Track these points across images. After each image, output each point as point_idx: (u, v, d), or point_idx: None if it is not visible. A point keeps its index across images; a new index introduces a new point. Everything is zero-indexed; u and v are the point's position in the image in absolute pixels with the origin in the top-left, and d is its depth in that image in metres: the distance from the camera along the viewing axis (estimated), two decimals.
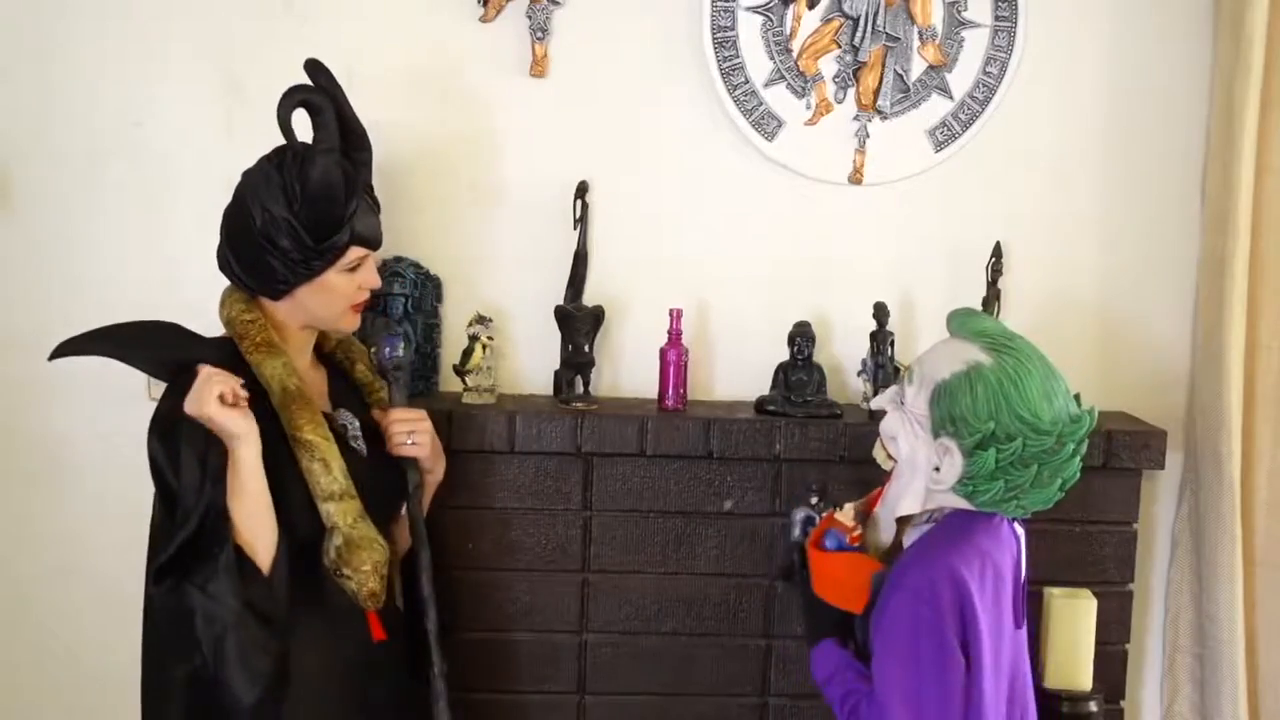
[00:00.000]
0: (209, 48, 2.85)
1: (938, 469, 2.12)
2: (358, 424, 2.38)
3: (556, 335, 2.87)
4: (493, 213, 2.91)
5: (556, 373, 2.90)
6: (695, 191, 2.95)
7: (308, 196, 2.22)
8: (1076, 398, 2.13)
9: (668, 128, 2.93)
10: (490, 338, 2.82)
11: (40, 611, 2.96)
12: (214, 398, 2.07)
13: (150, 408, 2.74)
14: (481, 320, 2.83)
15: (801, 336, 2.86)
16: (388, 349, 2.38)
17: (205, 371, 2.12)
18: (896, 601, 2.06)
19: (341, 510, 2.19)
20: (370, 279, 2.34)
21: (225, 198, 2.84)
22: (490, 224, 2.92)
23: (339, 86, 2.32)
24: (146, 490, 2.88)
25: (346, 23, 2.83)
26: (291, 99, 2.27)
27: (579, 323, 2.86)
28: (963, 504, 2.14)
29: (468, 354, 2.80)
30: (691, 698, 2.90)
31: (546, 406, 2.84)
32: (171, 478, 2.14)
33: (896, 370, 2.85)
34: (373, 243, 2.34)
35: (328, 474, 2.20)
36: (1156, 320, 3.04)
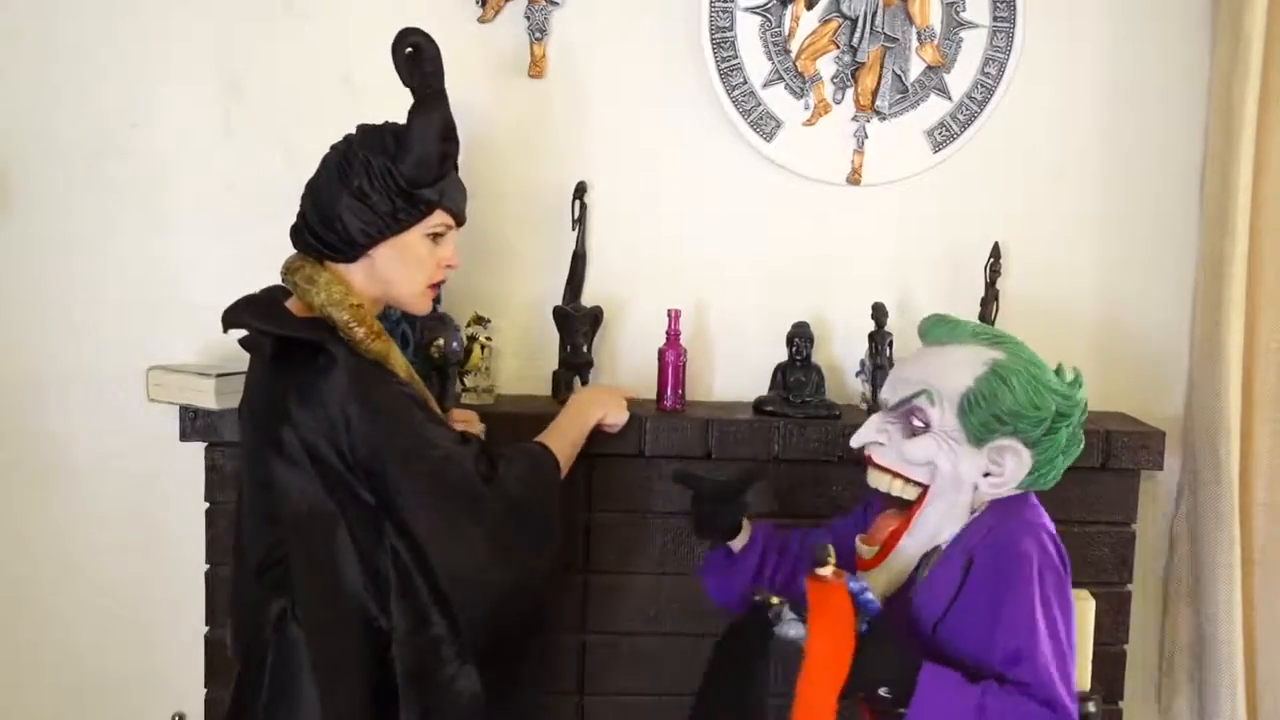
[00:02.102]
0: (208, 48, 2.84)
1: (988, 474, 2.12)
2: None
3: (555, 336, 2.87)
4: (491, 213, 2.91)
5: (555, 373, 2.90)
6: (693, 192, 2.95)
7: (409, 141, 2.19)
8: None
9: (666, 128, 2.93)
10: (489, 338, 2.83)
11: (38, 613, 2.96)
12: None
13: (150, 408, 2.77)
14: (480, 321, 2.83)
15: (800, 337, 2.86)
16: (455, 344, 2.37)
17: (620, 394, 2.67)
18: (1021, 574, 2.03)
19: None
20: (453, 256, 2.30)
21: (225, 197, 2.86)
22: (489, 225, 2.92)
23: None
24: (144, 491, 2.91)
25: (346, 23, 2.84)
26: (403, 40, 2.23)
27: (577, 323, 2.86)
28: (999, 494, 2.14)
29: (467, 354, 2.80)
30: (691, 698, 2.88)
31: (545, 407, 2.83)
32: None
33: None
34: (459, 216, 2.31)
35: None
36: (1155, 321, 3.04)
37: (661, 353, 2.85)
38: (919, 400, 2.13)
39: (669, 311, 2.86)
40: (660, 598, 2.86)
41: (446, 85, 2.22)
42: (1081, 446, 2.19)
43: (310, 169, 2.71)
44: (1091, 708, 2.74)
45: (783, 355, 2.88)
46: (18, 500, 2.94)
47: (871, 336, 2.86)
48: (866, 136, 2.93)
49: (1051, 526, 2.12)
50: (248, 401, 2.29)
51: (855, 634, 1.99)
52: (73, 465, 2.93)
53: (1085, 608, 2.74)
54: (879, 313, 2.86)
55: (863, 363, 2.89)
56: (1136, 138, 2.99)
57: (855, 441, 2.22)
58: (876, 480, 2.20)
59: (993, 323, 2.85)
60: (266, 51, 2.84)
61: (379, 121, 2.26)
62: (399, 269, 2.25)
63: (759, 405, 2.87)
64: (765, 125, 2.91)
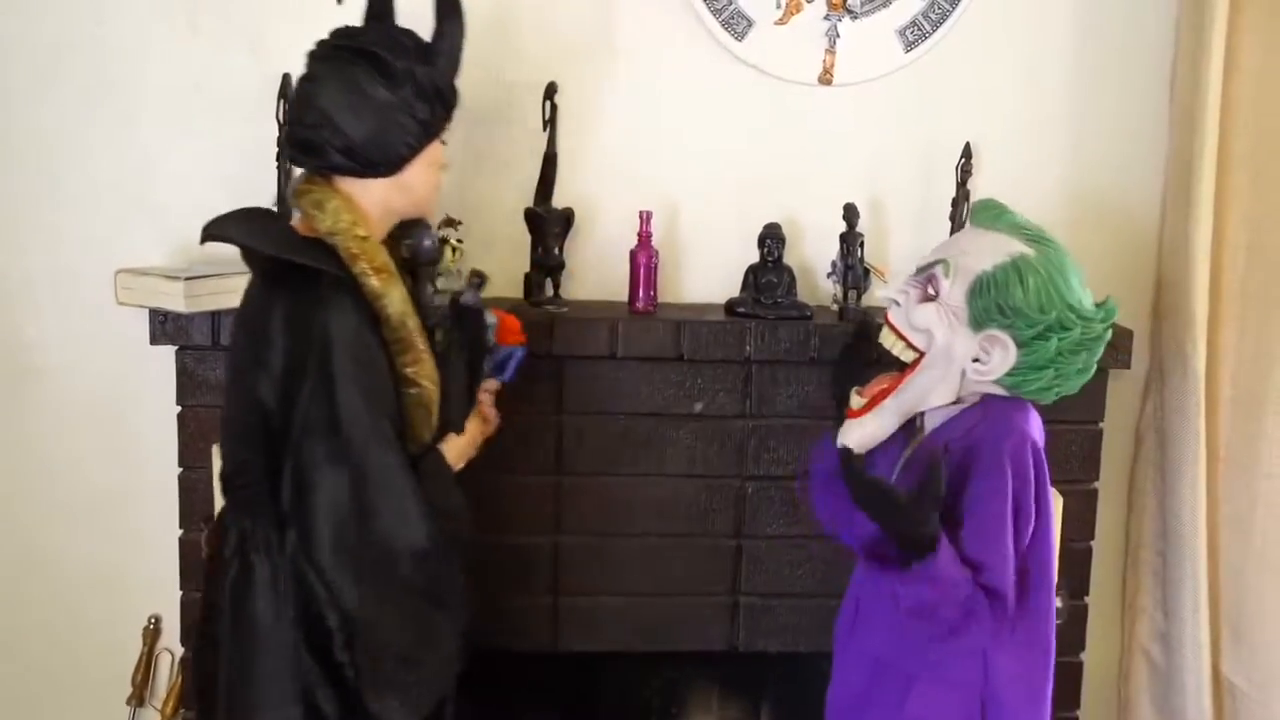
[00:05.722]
0: None
1: (976, 360, 2.12)
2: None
3: (527, 238, 2.86)
4: (461, 115, 2.87)
5: (527, 275, 2.89)
6: (665, 92, 2.93)
7: (447, 45, 2.20)
8: None
9: (637, 27, 2.90)
10: (460, 240, 2.81)
11: (9, 517, 2.97)
12: None
13: (120, 312, 2.75)
14: (451, 223, 2.81)
15: (771, 238, 2.85)
16: (427, 242, 2.32)
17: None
18: (992, 475, 2.04)
19: None
20: (441, 154, 2.30)
21: (193, 98, 2.81)
22: (459, 127, 2.84)
23: None
24: (115, 394, 2.90)
25: None
26: None
27: (549, 225, 2.84)
28: (998, 391, 2.15)
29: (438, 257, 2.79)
30: (663, 598, 2.93)
31: (517, 309, 2.83)
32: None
33: (866, 272, 2.86)
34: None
35: (427, 424, 2.18)
36: (1124, 219, 3.05)
37: (633, 254, 2.85)
38: (936, 269, 2.13)
39: (640, 213, 2.85)
40: (633, 499, 2.88)
41: None
42: (1088, 376, 2.17)
43: (278, 69, 2.68)
44: (1058, 603, 2.79)
45: (754, 256, 2.88)
46: None
47: (843, 237, 2.86)
48: (838, 36, 2.91)
49: (1040, 437, 2.12)
50: (243, 313, 2.19)
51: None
52: (43, 368, 2.90)
53: (1053, 506, 2.78)
54: (850, 213, 2.85)
55: (834, 264, 2.89)
56: (1107, 36, 2.98)
57: (881, 293, 2.26)
58: (887, 340, 2.22)
59: (962, 222, 2.85)
60: None
61: (363, 25, 2.21)
62: (424, 180, 2.24)
63: (731, 306, 2.87)
64: (737, 24, 2.88)
